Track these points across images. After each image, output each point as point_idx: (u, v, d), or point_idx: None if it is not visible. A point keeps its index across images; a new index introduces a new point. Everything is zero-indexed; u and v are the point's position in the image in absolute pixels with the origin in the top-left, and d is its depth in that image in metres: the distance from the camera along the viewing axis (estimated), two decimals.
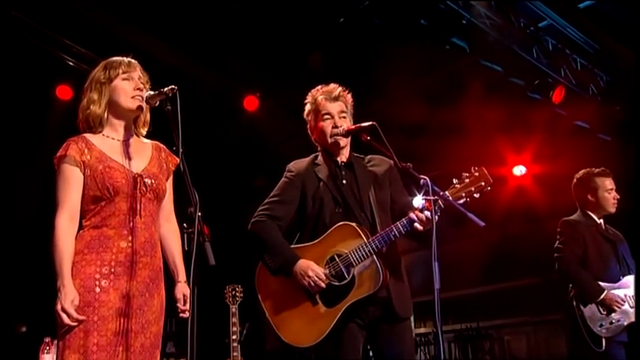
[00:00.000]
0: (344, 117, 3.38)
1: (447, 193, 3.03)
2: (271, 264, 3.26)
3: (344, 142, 3.36)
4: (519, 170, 7.80)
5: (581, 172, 4.65)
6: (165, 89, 2.66)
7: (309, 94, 3.49)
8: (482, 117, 6.55)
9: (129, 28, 6.09)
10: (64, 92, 6.77)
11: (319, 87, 3.48)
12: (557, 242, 4.50)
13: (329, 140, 3.37)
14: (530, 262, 7.97)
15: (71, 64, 6.57)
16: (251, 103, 7.33)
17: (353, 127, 3.33)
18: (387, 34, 6.20)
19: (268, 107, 7.44)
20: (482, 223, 2.88)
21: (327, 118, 3.38)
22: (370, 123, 3.22)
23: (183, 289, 2.85)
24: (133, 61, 2.89)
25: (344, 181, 3.34)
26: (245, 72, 6.97)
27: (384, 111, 5.81)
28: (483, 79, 6.58)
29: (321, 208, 3.29)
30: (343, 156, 3.41)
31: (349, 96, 3.47)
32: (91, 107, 2.82)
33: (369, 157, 3.49)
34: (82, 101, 2.88)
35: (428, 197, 2.93)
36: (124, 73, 2.82)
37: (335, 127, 3.35)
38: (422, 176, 2.96)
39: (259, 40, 6.32)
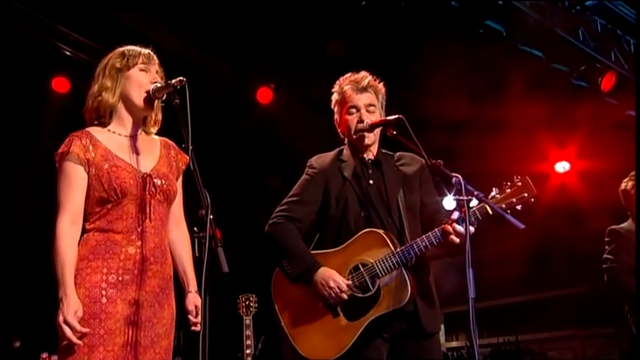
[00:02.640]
0: (372, 110, 3.38)
1: (482, 193, 3.03)
2: (290, 270, 3.29)
3: (370, 138, 3.36)
4: (562, 167, 7.76)
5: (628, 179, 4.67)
6: (173, 81, 2.69)
7: (337, 82, 3.50)
8: (521, 108, 6.52)
9: (132, 15, 6.16)
10: (60, 84, 6.86)
11: (348, 75, 3.47)
12: (607, 252, 4.50)
13: (353, 136, 3.39)
14: (575, 268, 7.93)
15: (68, 53, 6.65)
16: (265, 95, 7.38)
17: (377, 120, 3.33)
18: (413, 17, 6.19)
19: (283, 100, 7.47)
20: (522, 225, 2.87)
21: (353, 112, 3.38)
22: (396, 116, 3.22)
23: (194, 300, 2.87)
24: (152, 53, 2.91)
25: (370, 181, 3.35)
26: (258, 61, 7.00)
27: (412, 102, 5.82)
28: (522, 66, 6.54)
29: (345, 210, 3.30)
30: (370, 153, 3.42)
31: (381, 86, 3.45)
32: (103, 95, 2.82)
33: (398, 154, 3.49)
34: (91, 88, 2.87)
35: (460, 197, 2.93)
36: (142, 64, 2.84)
37: (360, 121, 3.35)
38: (454, 174, 2.96)
39: (273, 27, 6.35)
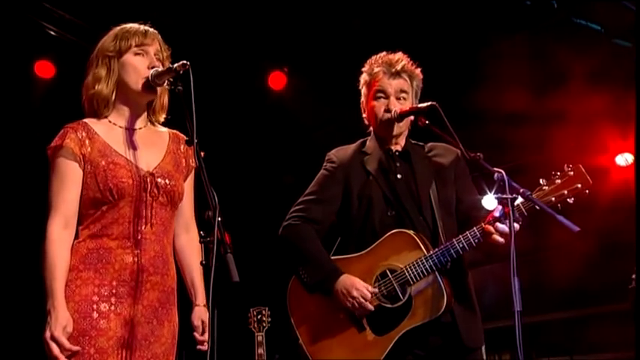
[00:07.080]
0: (403, 98, 3.42)
1: (528, 191, 3.04)
2: (307, 279, 3.35)
3: (397, 128, 3.41)
4: (624, 159, 7.70)
5: None
6: (175, 65, 2.72)
7: (369, 60, 3.54)
8: (577, 92, 6.49)
9: None
10: (44, 69, 6.93)
11: (382, 54, 3.52)
12: None
13: (379, 125, 3.43)
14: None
15: (53, 33, 6.71)
16: (277, 80, 7.41)
17: (407, 109, 3.37)
18: None
19: (298, 85, 7.49)
20: (576, 228, 2.89)
21: (381, 97, 3.43)
22: (429, 103, 3.26)
23: (201, 315, 2.91)
24: (150, 30, 2.95)
25: (398, 176, 3.40)
26: (270, 42, 7.02)
27: (445, 89, 5.80)
28: (576, 43, 6.50)
29: (369, 209, 3.35)
30: (398, 144, 3.47)
31: (417, 71, 3.51)
32: (97, 86, 2.87)
33: (429, 145, 3.54)
34: (86, 77, 2.93)
35: (503, 195, 2.95)
36: (137, 46, 2.88)
37: (387, 110, 3.39)
38: (496, 169, 2.99)
39: (286, 3, 6.36)
